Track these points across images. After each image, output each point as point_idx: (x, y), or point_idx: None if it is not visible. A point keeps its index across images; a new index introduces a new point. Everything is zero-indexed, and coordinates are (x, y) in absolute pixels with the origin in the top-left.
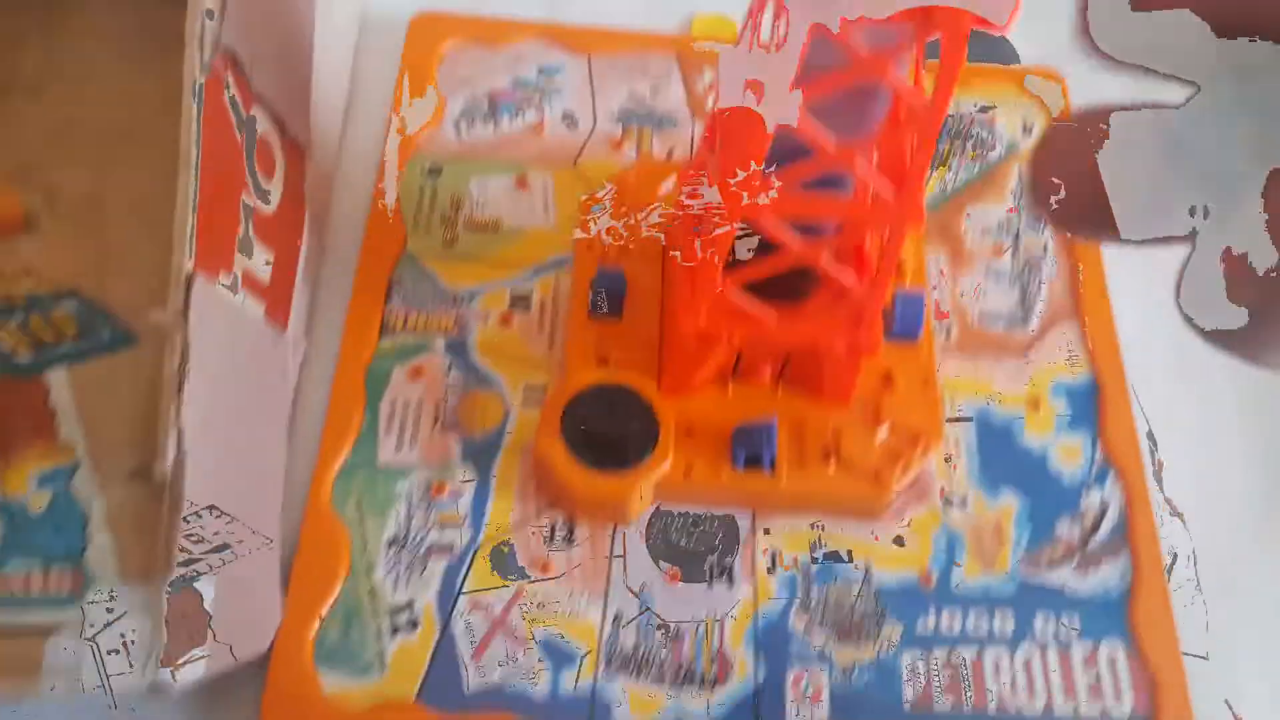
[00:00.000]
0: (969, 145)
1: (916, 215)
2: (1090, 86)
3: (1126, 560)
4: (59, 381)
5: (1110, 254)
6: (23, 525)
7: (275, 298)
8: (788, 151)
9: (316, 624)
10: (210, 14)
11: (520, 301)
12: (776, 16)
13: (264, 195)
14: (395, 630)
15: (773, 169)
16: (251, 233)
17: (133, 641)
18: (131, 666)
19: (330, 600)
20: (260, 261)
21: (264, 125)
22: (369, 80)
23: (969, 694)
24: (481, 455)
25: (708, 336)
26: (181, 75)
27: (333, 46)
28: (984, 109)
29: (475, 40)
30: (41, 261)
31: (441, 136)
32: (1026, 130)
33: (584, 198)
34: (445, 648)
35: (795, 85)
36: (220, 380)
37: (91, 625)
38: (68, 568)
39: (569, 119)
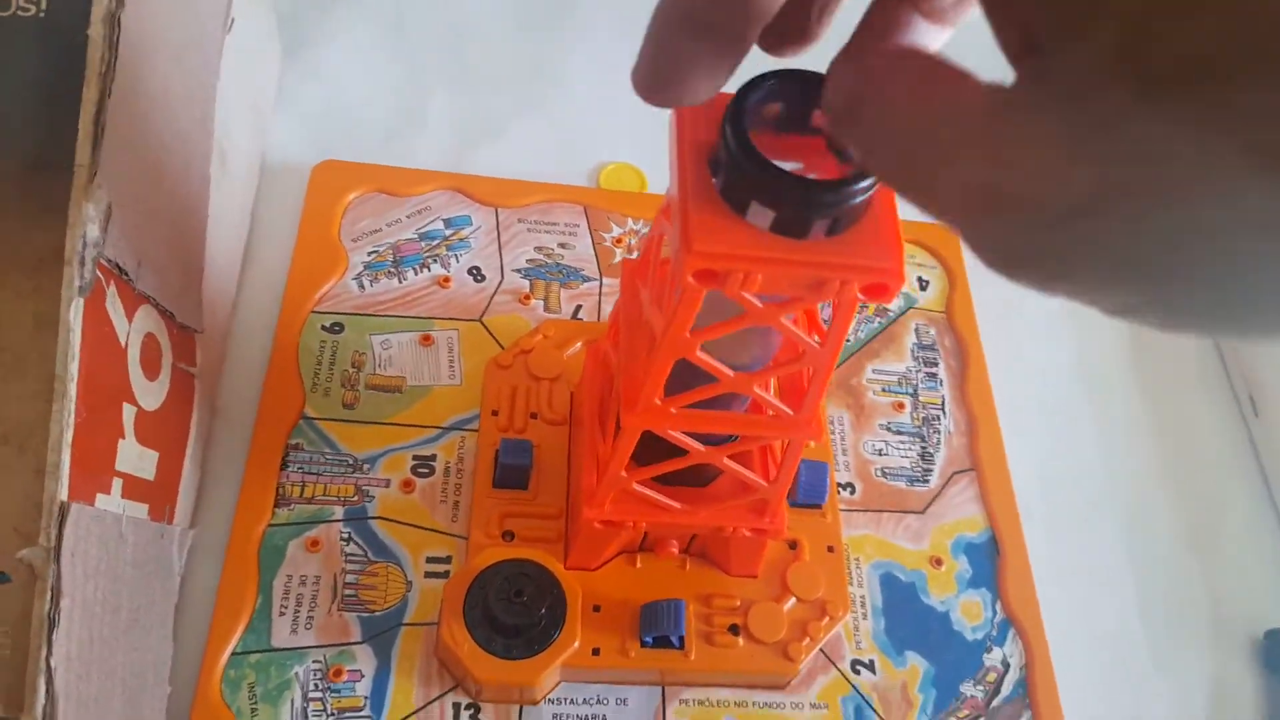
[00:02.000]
0: (868, 304)
1: (816, 432)
2: None
3: (1028, 718)
4: None
5: (1005, 409)
6: None
7: (160, 493)
8: (690, 368)
9: None
10: (92, 232)
11: (424, 465)
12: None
13: (148, 396)
14: None
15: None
16: (134, 439)
17: None
18: None
19: None
20: (144, 465)
21: (150, 324)
22: (268, 230)
23: None
24: (382, 634)
25: (613, 524)
26: (57, 295)
27: (230, 199)
28: None
29: (380, 190)
30: None
31: (343, 290)
32: (923, 286)
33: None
34: None
35: (692, 329)
36: (98, 602)
37: None
38: None
39: (475, 272)
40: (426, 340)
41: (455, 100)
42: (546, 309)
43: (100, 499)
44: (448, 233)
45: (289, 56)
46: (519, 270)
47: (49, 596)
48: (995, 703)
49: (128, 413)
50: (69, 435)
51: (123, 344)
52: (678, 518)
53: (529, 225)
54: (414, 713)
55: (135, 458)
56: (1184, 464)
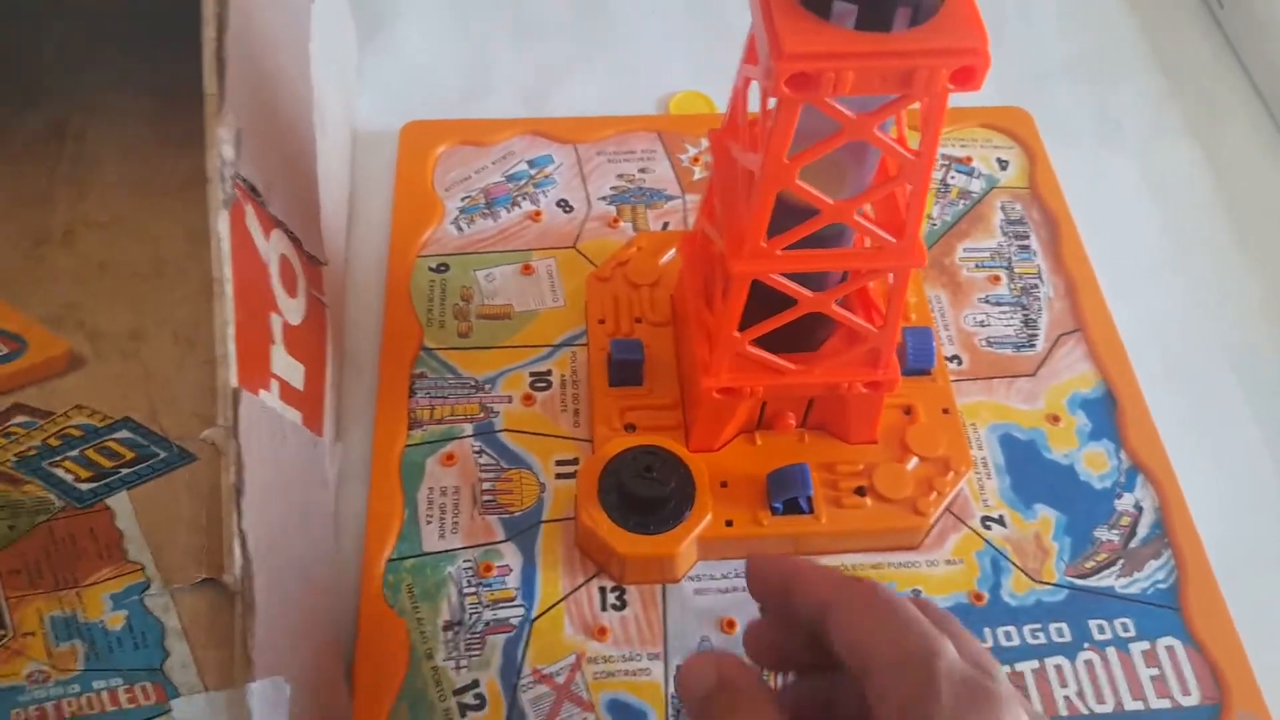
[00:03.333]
0: (950, 186)
1: (919, 257)
2: (1054, 119)
3: (1169, 557)
4: (121, 505)
5: (1101, 271)
6: (103, 645)
7: (310, 406)
8: (788, 210)
9: (387, 714)
10: (227, 152)
11: (540, 380)
12: (763, 95)
13: (291, 311)
14: (464, 710)
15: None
16: (284, 347)
17: None
18: None
19: (396, 690)
20: (294, 373)
21: (283, 246)
22: (367, 189)
23: (1036, 702)
24: (524, 532)
25: (731, 392)
26: (204, 211)
27: (331, 162)
28: (959, 159)
29: (465, 141)
30: (92, 397)
31: (444, 235)
32: (1002, 166)
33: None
34: None
35: (789, 153)
36: (271, 488)
37: None
38: (150, 681)
39: (564, 204)
40: (527, 269)
41: (523, 52)
42: (635, 229)
43: (263, 394)
44: (532, 172)
45: (364, 39)
46: (604, 198)
47: (233, 470)
48: (1133, 544)
49: (275, 322)
50: (232, 329)
51: (264, 259)
52: (793, 379)
53: (608, 156)
54: (563, 599)
55: (286, 365)
56: None
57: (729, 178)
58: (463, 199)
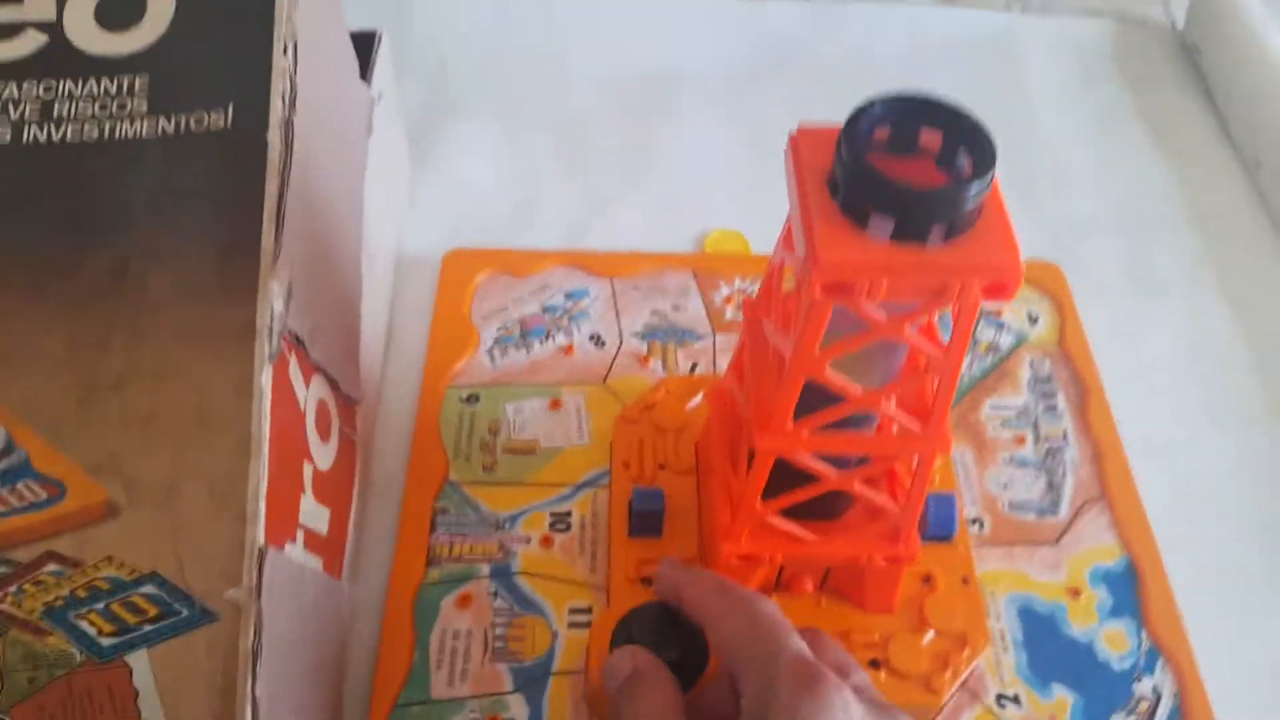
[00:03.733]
0: (979, 340)
1: (944, 445)
2: (1087, 275)
3: None
4: (139, 663)
5: (1128, 437)
6: None
7: (333, 550)
8: (817, 391)
9: None
10: (277, 306)
11: (560, 521)
12: (798, 286)
13: (322, 457)
14: None
15: (804, 412)
16: (312, 494)
17: None
18: None
19: None
20: (320, 519)
21: (322, 391)
22: (406, 317)
23: None
24: (533, 683)
25: (750, 558)
26: (251, 362)
27: (374, 294)
28: (989, 312)
29: (504, 270)
30: (122, 547)
31: (477, 365)
32: (1032, 320)
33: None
34: None
35: (820, 347)
36: (288, 644)
37: None
38: None
39: (596, 339)
40: (556, 404)
41: (566, 186)
42: (664, 368)
43: (288, 547)
44: (568, 304)
45: (417, 163)
46: (636, 334)
47: (252, 632)
48: None
49: (307, 470)
50: (264, 487)
51: (301, 408)
52: (812, 549)
53: (642, 292)
54: None
55: (313, 513)
56: None
57: (759, 346)
58: (499, 329)
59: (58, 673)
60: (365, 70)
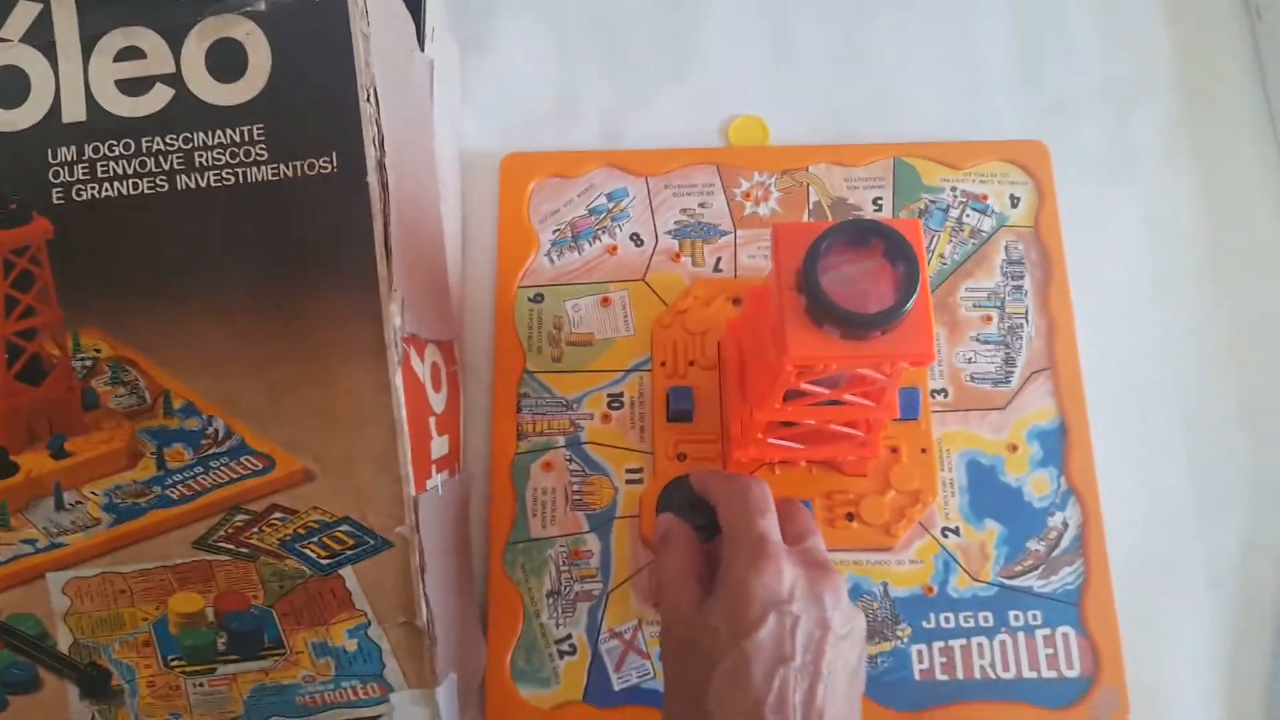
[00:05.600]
0: (964, 225)
1: (892, 414)
2: (1074, 150)
3: (1081, 565)
4: (349, 574)
5: (1083, 312)
6: (344, 660)
7: (451, 457)
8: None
9: (509, 655)
10: (396, 321)
11: (615, 401)
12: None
13: (438, 403)
14: (561, 655)
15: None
16: (435, 434)
17: None
18: None
19: (515, 638)
20: (443, 447)
21: (433, 355)
22: (474, 213)
23: (960, 669)
24: (602, 525)
25: (755, 461)
26: (385, 370)
27: (447, 196)
28: (977, 196)
29: (555, 174)
30: (323, 501)
31: (539, 266)
32: (1014, 203)
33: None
34: (596, 664)
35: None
36: (439, 548)
37: (397, 712)
38: (375, 682)
39: (635, 239)
40: (605, 301)
41: (606, 78)
42: (693, 264)
43: (428, 484)
44: (610, 205)
45: (465, 53)
46: (669, 232)
47: (417, 554)
48: (1055, 553)
49: (431, 422)
50: (408, 455)
51: (422, 380)
52: (801, 455)
53: (674, 190)
54: (630, 577)
55: (438, 446)
56: (1246, 348)
57: (750, 344)
58: (554, 231)
59: (297, 582)
60: (416, 8)
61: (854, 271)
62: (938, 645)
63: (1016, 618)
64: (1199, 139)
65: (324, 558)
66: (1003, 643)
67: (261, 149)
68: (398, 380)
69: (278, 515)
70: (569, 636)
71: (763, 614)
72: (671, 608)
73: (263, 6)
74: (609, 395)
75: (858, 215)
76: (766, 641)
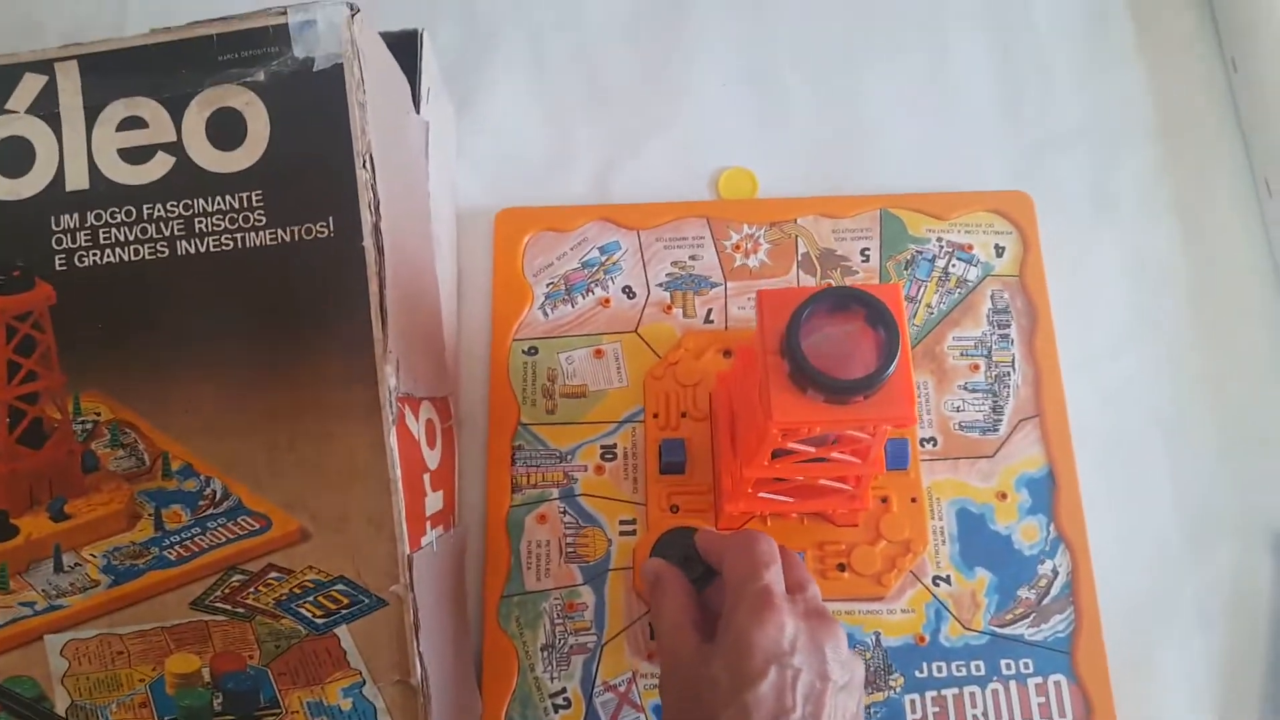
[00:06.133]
0: (950, 275)
1: (879, 470)
2: (1056, 197)
3: (1071, 613)
4: (344, 634)
5: (1068, 358)
6: None
7: (446, 512)
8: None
9: (504, 709)
10: (391, 382)
11: (608, 452)
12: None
13: (433, 459)
14: (556, 709)
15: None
16: (429, 489)
17: None
18: None
19: (510, 692)
20: (437, 502)
21: (428, 413)
22: (468, 265)
23: (953, 719)
24: (596, 578)
25: (746, 513)
26: (379, 428)
27: (444, 260)
28: (962, 246)
29: (548, 228)
30: (317, 560)
31: (533, 319)
32: (999, 253)
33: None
34: (591, 718)
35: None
36: (434, 603)
37: None
38: None
39: (628, 291)
40: (598, 353)
41: (598, 133)
42: (684, 315)
43: (423, 539)
44: (603, 259)
45: (459, 108)
46: (660, 284)
47: (411, 612)
48: (1045, 601)
49: (426, 479)
50: (403, 512)
51: (417, 437)
52: (791, 508)
53: (665, 243)
54: (623, 629)
55: (433, 502)
56: (1226, 388)
57: (741, 395)
58: (548, 284)
59: (293, 642)
60: (412, 71)
61: (838, 333)
62: (930, 694)
63: (1008, 666)
64: (1179, 186)
65: (319, 617)
66: (995, 691)
67: (260, 214)
68: (392, 440)
69: (274, 575)
70: (564, 690)
71: (764, 666)
72: (670, 655)
73: (262, 77)
74: (602, 447)
75: (845, 266)
76: (768, 694)
